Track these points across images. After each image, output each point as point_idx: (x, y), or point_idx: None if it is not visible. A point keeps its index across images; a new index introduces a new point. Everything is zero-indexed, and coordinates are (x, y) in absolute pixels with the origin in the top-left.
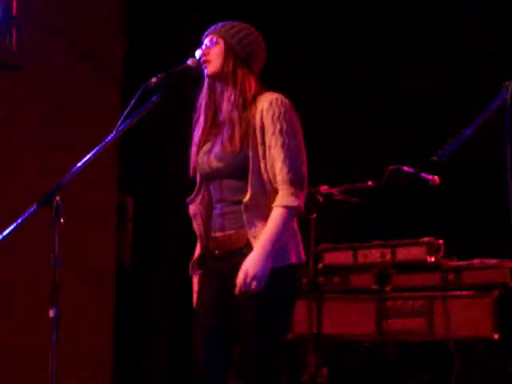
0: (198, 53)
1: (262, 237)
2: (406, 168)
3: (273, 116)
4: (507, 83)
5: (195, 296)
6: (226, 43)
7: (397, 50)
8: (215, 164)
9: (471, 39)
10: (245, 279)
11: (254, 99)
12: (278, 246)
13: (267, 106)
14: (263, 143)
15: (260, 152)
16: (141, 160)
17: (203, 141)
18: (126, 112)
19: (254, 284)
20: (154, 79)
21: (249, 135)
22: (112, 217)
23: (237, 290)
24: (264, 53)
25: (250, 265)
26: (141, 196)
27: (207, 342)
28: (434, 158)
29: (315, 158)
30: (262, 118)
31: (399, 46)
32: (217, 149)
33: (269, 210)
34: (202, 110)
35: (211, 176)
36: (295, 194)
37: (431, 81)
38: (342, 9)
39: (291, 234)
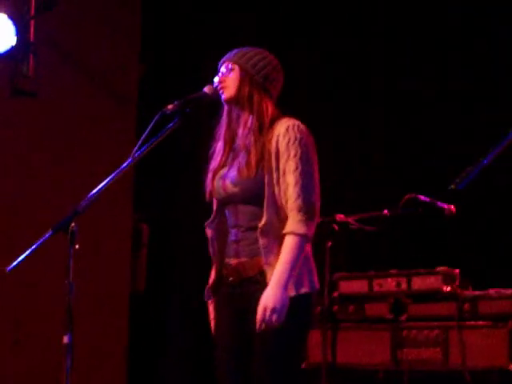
0: (215, 80)
1: (277, 268)
2: (421, 197)
3: (288, 142)
4: None
5: (213, 323)
6: (240, 68)
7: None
8: (231, 189)
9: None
10: (264, 314)
11: (271, 124)
12: (293, 275)
13: (283, 131)
14: (278, 169)
15: (275, 177)
16: (156, 186)
17: (220, 166)
18: (142, 138)
19: (274, 318)
20: (170, 106)
21: (265, 160)
22: (127, 242)
23: (258, 325)
24: (281, 76)
25: (268, 299)
26: (156, 222)
27: (230, 378)
28: (452, 186)
29: (330, 186)
30: (277, 143)
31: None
32: (232, 173)
33: (283, 236)
34: (221, 137)
35: (227, 201)
36: (302, 221)
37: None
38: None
39: (303, 261)
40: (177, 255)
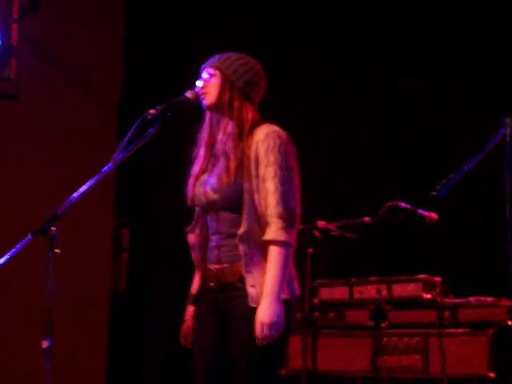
0: (197, 84)
1: (267, 282)
2: (403, 204)
3: (267, 148)
4: (507, 119)
5: (186, 324)
6: (222, 74)
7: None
8: (211, 196)
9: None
10: (262, 331)
11: (251, 130)
12: (284, 283)
13: (263, 137)
14: (257, 175)
15: (254, 184)
16: (137, 190)
17: (201, 172)
18: (123, 142)
19: (272, 332)
20: (152, 110)
21: (244, 167)
22: (108, 246)
23: (258, 342)
24: (263, 81)
25: (264, 315)
26: (136, 226)
27: (209, 379)
28: (433, 193)
29: (312, 193)
30: (257, 149)
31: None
32: (213, 180)
33: (264, 243)
34: (202, 143)
35: (208, 207)
36: (283, 228)
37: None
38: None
39: None
40: (158, 259)
